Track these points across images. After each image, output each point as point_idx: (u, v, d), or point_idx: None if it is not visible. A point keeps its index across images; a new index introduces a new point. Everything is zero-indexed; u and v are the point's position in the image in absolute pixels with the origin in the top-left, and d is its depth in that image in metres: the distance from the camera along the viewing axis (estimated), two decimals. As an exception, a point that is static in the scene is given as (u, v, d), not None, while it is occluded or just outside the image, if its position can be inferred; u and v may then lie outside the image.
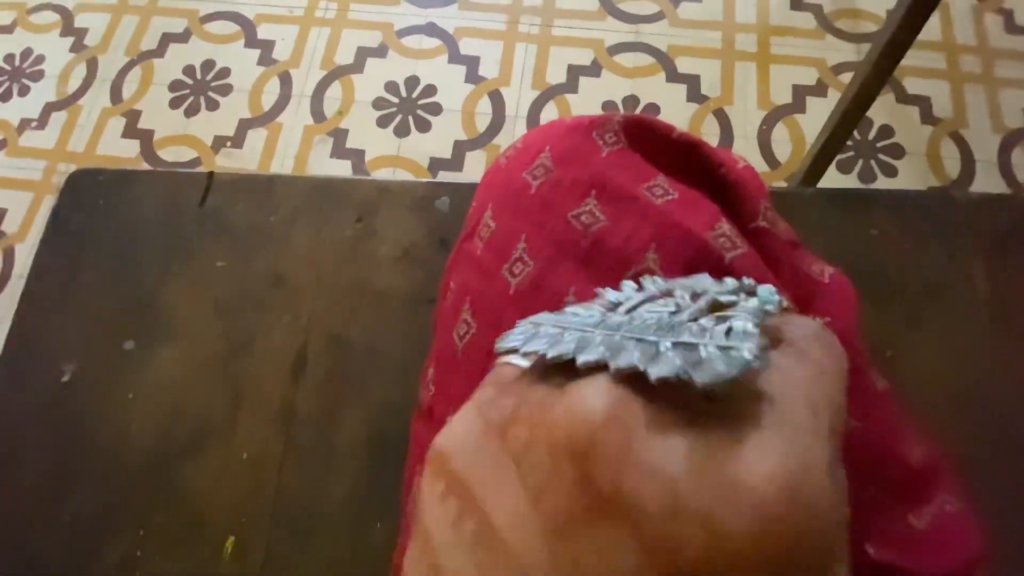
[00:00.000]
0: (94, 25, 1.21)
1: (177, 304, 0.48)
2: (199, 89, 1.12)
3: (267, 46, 1.14)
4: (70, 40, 1.20)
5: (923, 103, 1.06)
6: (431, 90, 1.09)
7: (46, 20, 1.23)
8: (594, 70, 1.09)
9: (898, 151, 1.02)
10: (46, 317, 0.48)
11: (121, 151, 1.09)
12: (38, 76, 1.18)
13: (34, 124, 1.14)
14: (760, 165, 1.02)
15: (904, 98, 1.06)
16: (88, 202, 0.53)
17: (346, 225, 0.50)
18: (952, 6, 1.13)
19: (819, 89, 1.07)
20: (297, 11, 1.17)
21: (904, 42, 0.76)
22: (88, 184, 0.54)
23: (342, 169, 1.04)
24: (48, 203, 1.07)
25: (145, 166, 1.07)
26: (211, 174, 0.53)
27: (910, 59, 1.09)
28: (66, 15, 1.23)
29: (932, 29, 1.11)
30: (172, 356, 0.46)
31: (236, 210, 0.51)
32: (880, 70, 0.78)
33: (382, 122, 1.07)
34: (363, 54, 1.12)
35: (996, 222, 0.34)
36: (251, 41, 1.15)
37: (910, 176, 1.01)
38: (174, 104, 1.11)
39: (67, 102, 1.14)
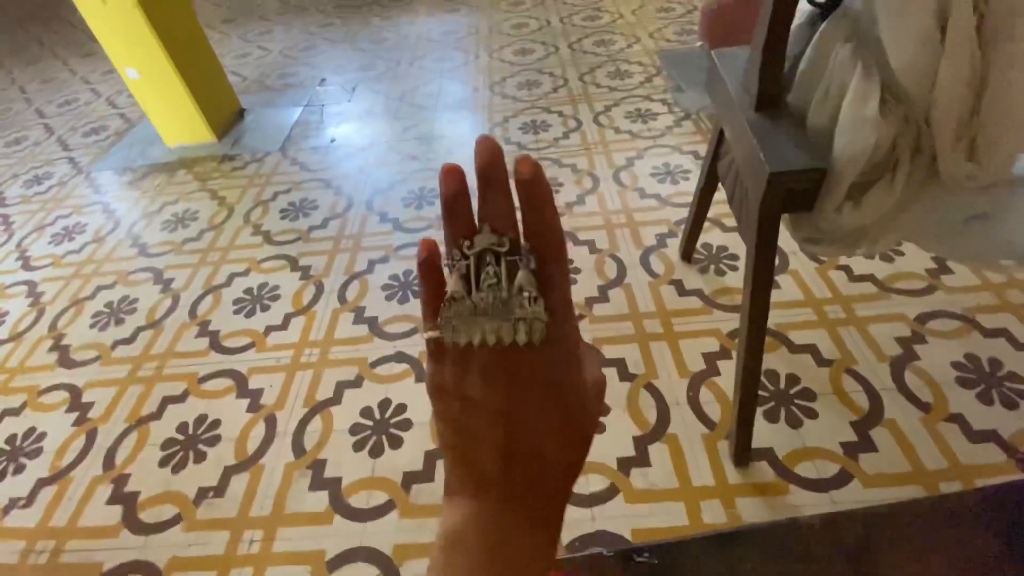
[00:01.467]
0: (100, 398, 1.38)
1: None
2: (189, 444, 1.23)
3: (256, 394, 1.31)
4: (74, 415, 1.35)
5: (812, 350, 1.27)
6: (402, 408, 1.24)
7: (55, 399, 1.40)
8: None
9: (810, 394, 1.18)
10: None
11: (103, 519, 1.13)
12: (36, 454, 1.28)
13: (22, 503, 1.19)
14: (699, 428, 1.15)
15: (794, 348, 1.27)
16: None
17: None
18: (801, 271, 1.46)
19: (724, 353, 1.28)
20: (284, 360, 1.38)
21: (761, 309, 0.91)
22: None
23: (318, 502, 1.09)
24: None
25: (125, 533, 1.09)
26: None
27: (788, 317, 1.36)
28: (75, 392, 1.41)
29: (793, 290, 1.41)
30: None
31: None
32: (754, 331, 0.95)
33: (358, 445, 1.18)
34: (341, 387, 1.30)
35: (846, 537, 0.42)
36: (242, 392, 1.32)
37: (831, 414, 1.15)
38: (163, 462, 1.21)
39: (59, 475, 1.22)
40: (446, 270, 0.22)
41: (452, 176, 0.21)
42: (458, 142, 2.24)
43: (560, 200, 1.81)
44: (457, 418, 0.23)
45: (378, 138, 2.34)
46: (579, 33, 3.08)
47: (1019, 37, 0.65)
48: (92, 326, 1.59)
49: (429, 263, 0.22)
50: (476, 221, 0.22)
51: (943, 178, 0.72)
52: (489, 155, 0.20)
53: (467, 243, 0.21)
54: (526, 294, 0.20)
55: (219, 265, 1.74)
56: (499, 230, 0.21)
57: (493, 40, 3.11)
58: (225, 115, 2.51)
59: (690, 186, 1.80)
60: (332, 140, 2.36)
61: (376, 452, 1.17)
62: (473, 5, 3.67)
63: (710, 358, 1.27)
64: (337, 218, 1.89)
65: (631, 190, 1.82)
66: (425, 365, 0.25)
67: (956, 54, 0.64)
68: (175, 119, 2.35)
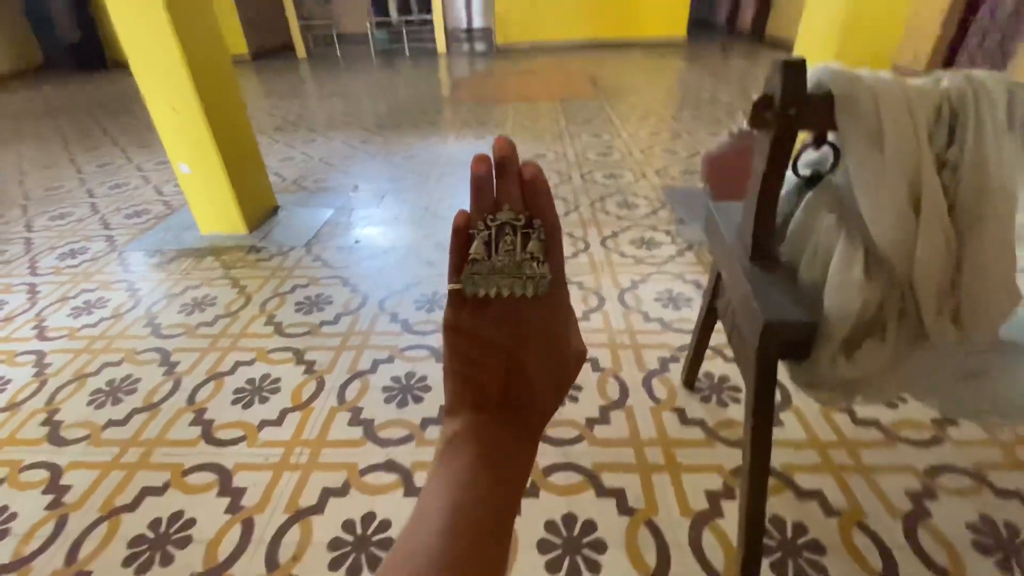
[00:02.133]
0: (79, 482, 1.33)
1: None
2: (159, 544, 1.16)
3: (238, 493, 1.26)
4: (50, 497, 1.29)
5: (819, 497, 1.22)
6: (385, 525, 1.18)
7: (35, 478, 1.35)
8: (535, 492, 1.24)
9: (819, 547, 1.11)
10: None
11: (48, 624, 1.03)
12: (2, 535, 1.21)
13: (-35, 596, 1.10)
14: (699, 575, 1.07)
15: (801, 494, 1.22)
16: None
17: None
18: (804, 410, 1.45)
19: (727, 491, 1.23)
20: (273, 458, 1.35)
21: (763, 450, 0.91)
22: None
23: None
24: None
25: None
26: None
27: (792, 457, 1.33)
28: (56, 472, 1.36)
29: (796, 429, 1.39)
30: None
31: None
32: (756, 472, 0.93)
33: (335, 564, 1.10)
34: (326, 494, 1.25)
35: None
36: (224, 490, 1.27)
37: (843, 571, 1.07)
38: (128, 561, 1.13)
39: (21, 563, 1.14)
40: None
41: (482, 162, 0.26)
42: (473, 253, 2.36)
43: (566, 317, 1.87)
44: (467, 352, 0.29)
45: (400, 242, 2.48)
46: (591, 166, 3.37)
47: (988, 217, 0.72)
48: (89, 403, 1.58)
49: (465, 228, 0.27)
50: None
51: (931, 339, 0.76)
52: (506, 150, 0.26)
53: (491, 216, 0.27)
54: (536, 258, 0.27)
55: (227, 352, 1.77)
56: (515, 208, 0.27)
57: (514, 164, 3.40)
58: (260, 210, 2.71)
59: (692, 313, 1.86)
60: (356, 241, 2.51)
61: (353, 572, 1.09)
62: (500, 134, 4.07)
63: (713, 498, 1.22)
64: (349, 315, 1.94)
65: (635, 312, 1.87)
66: (444, 311, 0.29)
67: (930, 232, 0.71)
68: (214, 210, 2.53)
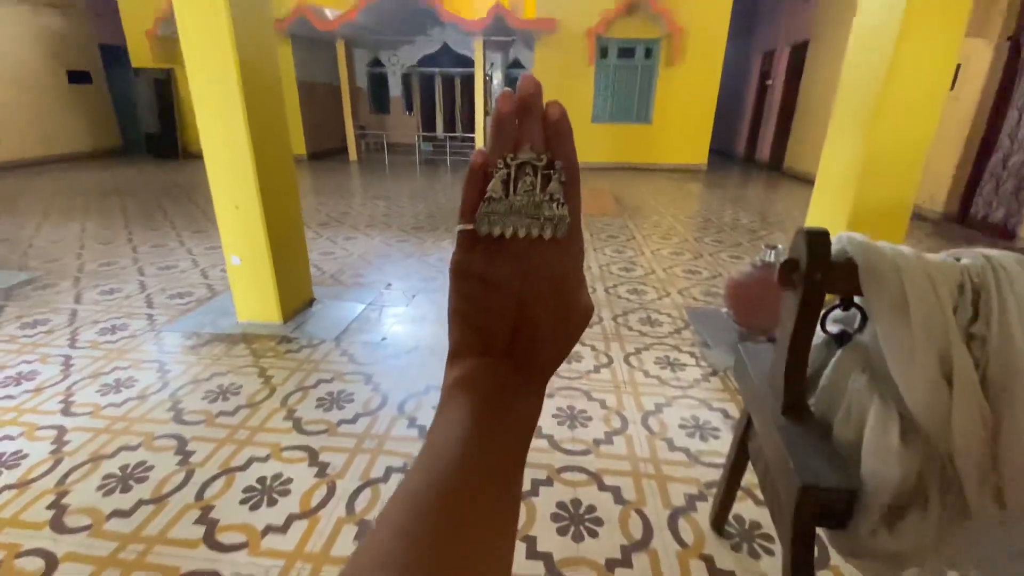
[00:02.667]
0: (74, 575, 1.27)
1: None
2: (140, 662, 1.08)
3: (231, 609, 1.18)
4: (38, 592, 1.23)
5: None
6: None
7: (29, 567, 1.30)
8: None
9: None
10: None
11: None
12: (-25, 636, 1.14)
13: None
14: None
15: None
16: None
17: None
18: (843, 569, 1.33)
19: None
20: (272, 572, 1.28)
21: None
22: None
23: None
24: None
25: None
26: None
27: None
28: (51, 562, 1.31)
29: (837, 593, 1.27)
30: None
31: None
32: None
33: None
34: (323, 620, 1.16)
35: None
36: (218, 603, 1.20)
37: None
38: None
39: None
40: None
41: (507, 99, 0.25)
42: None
43: (588, 436, 1.83)
44: (476, 295, 0.27)
45: (425, 342, 2.53)
46: (615, 280, 3.48)
47: (1020, 396, 0.72)
48: (99, 488, 1.56)
49: (483, 168, 0.26)
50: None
51: (975, 517, 0.73)
52: (532, 88, 0.25)
53: (511, 155, 0.26)
54: (556, 199, 0.26)
55: (243, 446, 1.76)
56: (537, 149, 0.25)
57: (541, 274, 3.54)
58: (297, 302, 2.83)
59: (720, 445, 1.80)
60: (383, 338, 2.57)
61: None
62: (528, 242, 4.28)
63: (744, 668, 1.09)
64: (368, 415, 1.94)
65: (660, 439, 1.82)
66: (453, 252, 0.28)
67: (965, 407, 0.71)
68: (254, 299, 2.66)
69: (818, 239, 0.79)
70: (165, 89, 9.29)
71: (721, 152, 11.58)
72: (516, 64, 10.05)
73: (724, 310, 2.63)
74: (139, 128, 9.83)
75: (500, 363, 0.28)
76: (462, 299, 0.28)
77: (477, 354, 0.28)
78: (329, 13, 8.55)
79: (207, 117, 2.35)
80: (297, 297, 2.83)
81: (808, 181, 7.01)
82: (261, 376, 2.20)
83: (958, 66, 5.29)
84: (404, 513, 0.21)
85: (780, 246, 2.40)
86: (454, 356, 0.29)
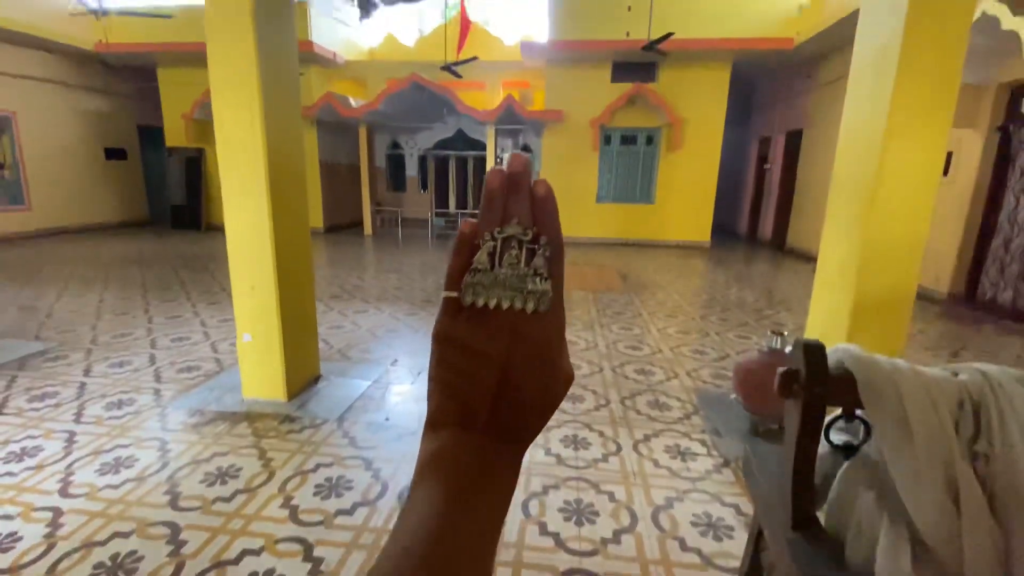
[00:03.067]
0: None
1: None
2: None
3: None
4: None
5: None
6: None
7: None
8: None
9: None
10: None
11: None
12: None
13: None
14: None
15: None
16: None
17: None
18: None
19: None
20: None
21: None
22: None
23: None
24: None
25: None
26: None
27: None
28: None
29: None
30: None
31: None
32: None
33: None
34: None
35: None
36: None
37: None
38: None
39: None
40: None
41: (497, 175, 0.26)
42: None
43: (595, 534, 1.75)
44: (458, 363, 0.28)
45: (428, 425, 2.49)
46: (622, 359, 3.47)
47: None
48: (85, 581, 1.50)
49: (471, 238, 0.27)
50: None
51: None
52: (520, 166, 0.26)
53: (498, 229, 0.27)
54: (540, 273, 0.27)
55: (237, 536, 1.70)
56: (524, 223, 0.27)
57: (547, 352, 3.54)
58: (303, 380, 2.83)
59: (733, 546, 1.71)
60: (387, 419, 2.54)
61: None
62: (535, 319, 4.32)
63: None
64: (366, 506, 1.88)
65: (671, 538, 1.74)
66: (436, 318, 0.28)
67: (974, 530, 0.69)
68: (261, 376, 2.67)
69: (814, 351, 0.81)
70: (195, 166, 9.89)
71: (724, 229, 11.88)
72: (526, 148, 10.65)
73: (733, 395, 2.59)
74: (166, 201, 10.36)
75: (477, 438, 0.28)
76: (443, 366, 0.28)
77: (455, 423, 0.28)
78: (353, 102, 9.24)
79: (232, 199, 2.49)
80: (303, 374, 2.84)
81: (811, 259, 7.13)
82: (261, 458, 2.17)
83: (950, 153, 5.53)
84: None
85: (786, 333, 2.41)
86: (431, 425, 0.29)
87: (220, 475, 2.04)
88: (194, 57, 8.80)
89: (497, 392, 0.28)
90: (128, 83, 10.14)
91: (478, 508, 0.26)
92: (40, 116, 8.68)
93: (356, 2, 8.28)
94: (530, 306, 0.27)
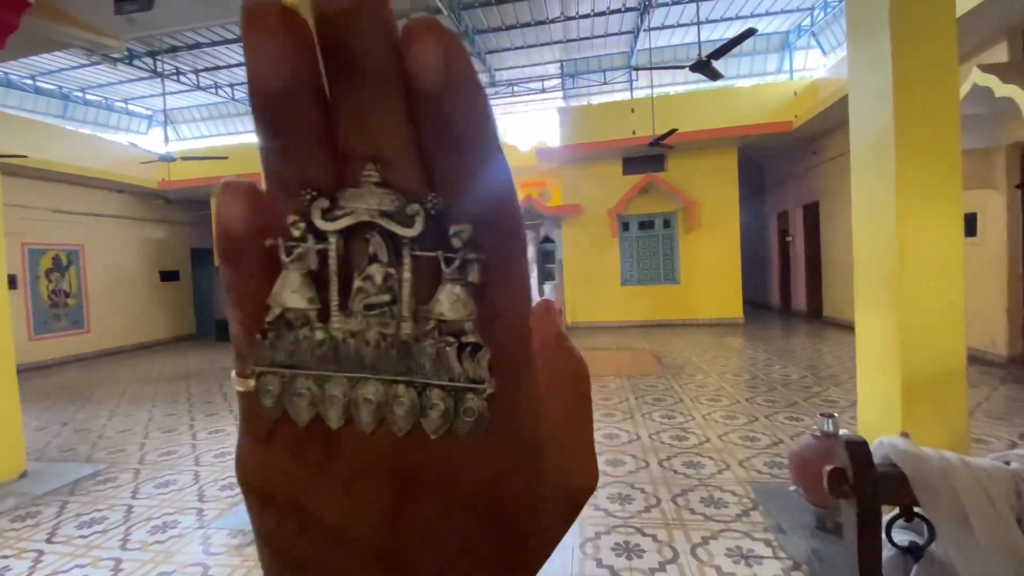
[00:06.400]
0: None
1: None
2: None
3: None
4: None
5: None
6: None
7: None
8: None
9: None
10: None
11: None
12: None
13: None
14: None
15: None
16: None
17: None
18: None
19: None
20: None
21: None
22: None
23: None
24: None
25: None
26: None
27: None
28: None
29: None
30: None
31: None
32: None
33: None
34: None
35: None
36: None
37: None
38: None
39: None
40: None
41: (263, 18, 0.11)
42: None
43: (657, 657, 1.60)
44: (291, 546, 0.13)
45: None
46: (668, 451, 3.32)
47: None
48: None
49: (254, 237, 0.12)
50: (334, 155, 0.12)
51: None
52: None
53: (322, 203, 0.11)
54: (452, 333, 0.11)
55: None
56: (395, 179, 0.11)
57: (587, 447, 3.43)
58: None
59: (816, 668, 1.52)
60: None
61: None
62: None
63: None
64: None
65: (742, 659, 1.57)
66: (237, 438, 0.14)
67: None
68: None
69: (857, 448, 0.81)
70: (240, 281, 10.58)
71: (756, 304, 11.71)
72: (547, 239, 11.09)
73: (792, 487, 2.43)
74: (211, 315, 10.98)
75: None
76: (268, 548, 0.14)
77: None
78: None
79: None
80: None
81: (850, 327, 6.92)
82: (303, 581, 2.10)
83: (974, 214, 5.51)
84: None
85: (836, 414, 2.31)
86: None
87: (261, 602, 1.98)
88: (243, 186, 9.76)
89: None
90: (184, 212, 11.26)
91: None
92: (104, 247, 9.61)
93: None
94: (433, 423, 0.12)
